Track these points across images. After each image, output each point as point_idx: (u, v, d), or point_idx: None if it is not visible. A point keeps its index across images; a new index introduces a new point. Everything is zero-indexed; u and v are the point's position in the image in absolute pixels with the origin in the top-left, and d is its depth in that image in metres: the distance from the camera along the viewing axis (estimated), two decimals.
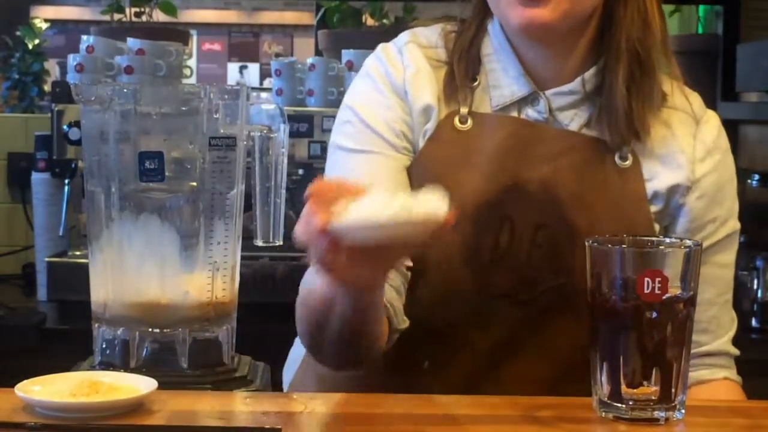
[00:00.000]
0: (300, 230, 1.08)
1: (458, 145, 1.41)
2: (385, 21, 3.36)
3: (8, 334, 2.45)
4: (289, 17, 7.94)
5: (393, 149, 1.41)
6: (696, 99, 1.49)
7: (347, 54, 2.86)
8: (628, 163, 1.41)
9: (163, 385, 1.15)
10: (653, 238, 1.25)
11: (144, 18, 3.24)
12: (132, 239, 1.25)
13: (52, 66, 3.91)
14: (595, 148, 1.41)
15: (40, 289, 2.70)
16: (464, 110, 1.42)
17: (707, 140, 1.45)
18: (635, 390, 1.12)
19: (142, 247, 1.25)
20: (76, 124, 2.54)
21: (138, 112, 1.24)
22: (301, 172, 2.83)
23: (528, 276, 1.38)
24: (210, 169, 1.25)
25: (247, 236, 1.31)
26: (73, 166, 2.67)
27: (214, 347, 1.28)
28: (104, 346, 1.28)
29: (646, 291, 1.10)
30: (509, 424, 1.14)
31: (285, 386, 1.59)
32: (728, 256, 1.47)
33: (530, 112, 1.42)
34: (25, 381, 1.14)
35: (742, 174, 3.09)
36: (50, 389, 1.13)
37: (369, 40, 1.89)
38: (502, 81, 1.43)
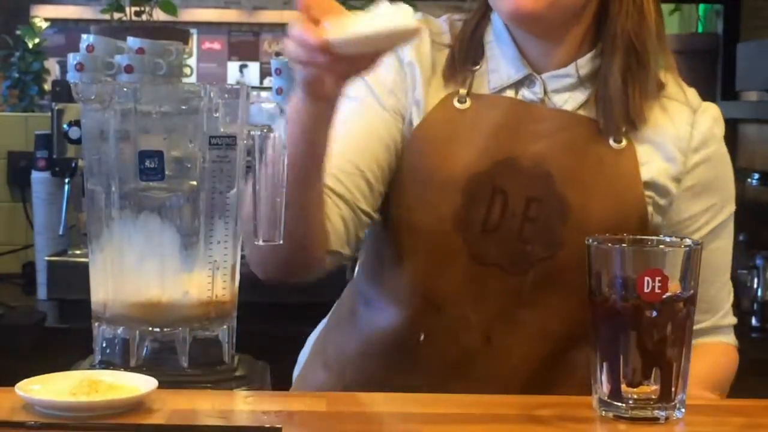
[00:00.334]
0: (294, 47, 1.17)
1: (455, 123, 1.46)
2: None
3: (8, 333, 2.45)
4: (290, 16, 7.93)
5: (380, 104, 1.47)
6: (692, 91, 1.52)
7: None
8: (622, 145, 1.45)
9: (163, 384, 1.15)
10: (653, 237, 1.25)
11: (144, 17, 3.24)
12: (132, 238, 1.25)
13: (52, 65, 3.91)
14: (589, 128, 1.45)
15: (40, 288, 2.70)
16: (463, 91, 1.47)
17: (703, 129, 1.48)
18: (635, 389, 1.12)
19: (142, 246, 1.25)
20: (76, 123, 2.54)
21: (138, 111, 1.24)
22: None
23: (520, 248, 1.42)
24: (210, 168, 1.25)
25: None
26: (73, 165, 2.67)
27: (214, 346, 1.28)
28: (104, 345, 1.28)
29: (646, 290, 1.10)
30: (509, 423, 1.14)
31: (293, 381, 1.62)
32: (726, 240, 1.51)
33: (526, 93, 1.47)
34: (25, 380, 1.14)
35: (742, 173, 3.10)
36: (50, 388, 1.13)
37: None
38: (500, 65, 1.49)
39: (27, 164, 2.97)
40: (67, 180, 2.69)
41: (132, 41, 2.81)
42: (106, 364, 1.27)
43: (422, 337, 1.45)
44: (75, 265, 2.58)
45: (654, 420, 1.12)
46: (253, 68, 8.07)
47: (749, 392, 1.36)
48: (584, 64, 1.47)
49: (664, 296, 1.11)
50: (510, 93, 1.48)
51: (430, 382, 1.45)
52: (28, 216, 3.01)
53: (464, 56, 1.49)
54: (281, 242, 1.25)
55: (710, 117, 1.50)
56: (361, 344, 1.51)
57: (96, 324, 1.28)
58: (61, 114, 2.66)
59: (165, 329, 1.26)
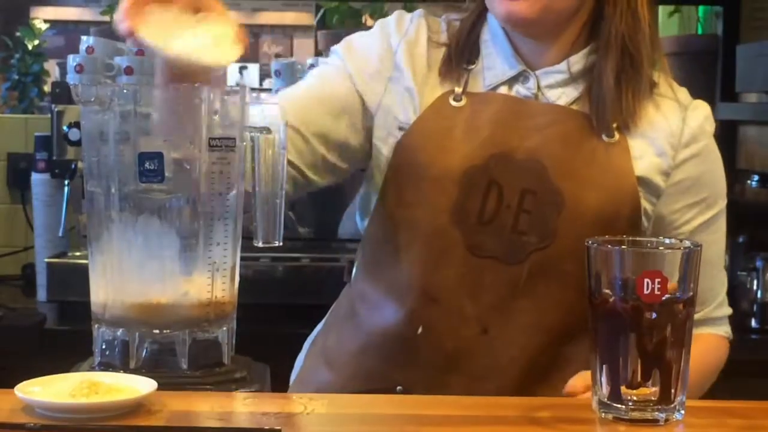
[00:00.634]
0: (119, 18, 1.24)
1: (450, 119, 1.48)
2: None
3: (8, 335, 2.45)
4: (289, 18, 7.93)
5: (350, 79, 1.53)
6: (683, 90, 1.55)
7: None
8: (614, 139, 1.47)
9: (162, 386, 1.15)
10: (652, 239, 1.25)
11: None
12: (132, 240, 1.25)
13: (51, 67, 3.90)
14: (582, 122, 1.48)
15: (40, 290, 2.70)
16: (458, 90, 1.50)
17: (694, 125, 1.51)
18: (635, 390, 1.12)
19: (141, 247, 1.25)
20: (76, 124, 2.54)
21: (138, 113, 1.24)
22: None
23: (515, 239, 1.45)
24: (209, 170, 1.25)
25: (247, 237, 1.31)
26: (72, 166, 2.67)
27: (213, 348, 1.28)
28: (104, 346, 1.28)
29: (645, 292, 1.10)
30: (509, 425, 1.14)
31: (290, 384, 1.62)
32: (718, 234, 1.54)
33: (520, 89, 1.50)
34: (24, 382, 1.14)
35: (741, 175, 3.10)
36: (50, 390, 1.13)
37: None
38: (495, 62, 1.52)
39: (27, 166, 2.97)
40: (66, 182, 2.69)
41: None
42: (105, 366, 1.27)
43: (420, 331, 1.47)
44: (75, 266, 2.58)
45: (653, 422, 1.12)
46: (253, 70, 8.07)
47: (749, 394, 1.36)
48: (576, 61, 1.50)
49: (664, 298, 1.11)
50: (504, 89, 1.51)
51: (429, 375, 1.46)
52: (27, 218, 3.01)
53: (460, 55, 1.52)
54: (280, 244, 1.26)
55: (701, 114, 1.53)
56: (361, 341, 1.52)
57: (96, 326, 1.28)
58: (60, 116, 2.66)
59: (165, 331, 1.26)
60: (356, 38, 1.58)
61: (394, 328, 1.48)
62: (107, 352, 1.27)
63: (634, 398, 1.12)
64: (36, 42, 3.57)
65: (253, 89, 1.66)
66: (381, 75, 1.53)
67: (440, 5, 1.62)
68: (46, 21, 3.90)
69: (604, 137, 1.47)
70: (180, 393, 1.20)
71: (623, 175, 1.47)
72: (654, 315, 1.11)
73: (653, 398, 1.12)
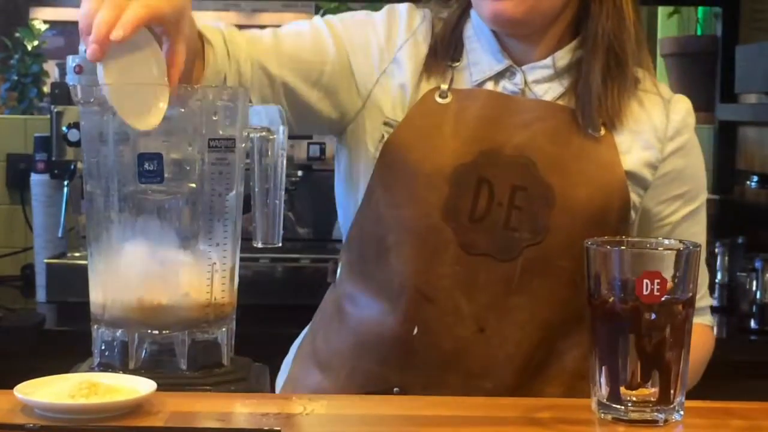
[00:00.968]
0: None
1: (437, 116, 1.49)
2: None
3: (7, 336, 2.45)
4: (289, 19, 7.93)
5: (334, 44, 1.52)
6: (663, 85, 1.59)
7: None
8: (601, 133, 1.49)
9: (162, 387, 1.15)
10: (652, 240, 1.26)
11: None
12: (131, 240, 1.25)
13: (51, 67, 3.90)
14: (569, 117, 1.49)
15: (39, 291, 2.70)
16: (444, 86, 1.51)
17: (678, 119, 1.54)
18: (634, 391, 1.12)
19: (141, 248, 1.25)
20: (75, 125, 2.54)
21: None
22: (300, 173, 2.83)
23: (508, 236, 1.45)
24: (209, 171, 1.25)
25: (247, 238, 1.31)
26: (72, 167, 2.67)
27: (213, 349, 1.28)
28: (103, 347, 1.28)
29: (645, 292, 1.10)
30: (508, 426, 1.14)
31: (278, 389, 1.61)
32: (700, 226, 1.57)
33: (507, 85, 1.52)
34: (24, 382, 1.14)
35: (741, 175, 3.10)
36: (49, 391, 1.13)
37: None
38: (481, 58, 1.53)
39: (26, 167, 2.97)
40: (66, 182, 2.69)
41: None
42: (104, 367, 1.27)
43: (416, 331, 1.46)
44: (74, 267, 2.58)
45: (653, 422, 1.12)
46: None
47: (749, 394, 1.36)
48: (561, 56, 1.51)
49: (663, 298, 1.11)
50: (490, 85, 1.52)
51: (425, 375, 1.46)
52: (27, 218, 3.01)
53: (444, 52, 1.53)
54: (280, 245, 1.26)
55: (683, 107, 1.56)
56: (354, 342, 1.51)
57: (95, 326, 1.28)
58: (60, 116, 2.66)
59: (164, 332, 1.26)
60: (362, 18, 1.56)
61: (388, 330, 1.48)
62: (106, 353, 1.27)
63: (634, 399, 1.12)
64: (35, 43, 3.57)
65: None
66: (378, 65, 1.52)
67: (448, 5, 1.61)
68: (45, 22, 3.89)
69: (590, 132, 1.48)
70: (179, 394, 1.20)
71: (612, 169, 1.48)
72: (653, 316, 1.11)
73: (652, 399, 1.12)
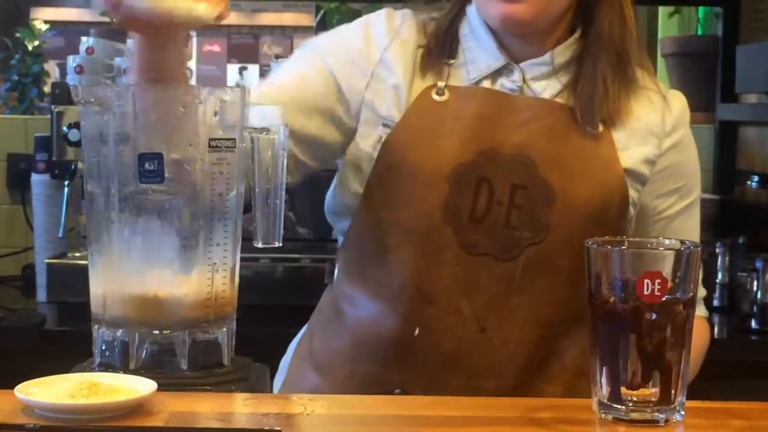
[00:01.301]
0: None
1: (435, 115, 1.48)
2: None
3: (8, 336, 2.45)
4: (289, 19, 7.93)
5: (326, 67, 1.51)
6: (660, 83, 1.59)
7: None
8: (599, 130, 1.50)
9: (162, 387, 1.15)
10: (652, 240, 1.26)
11: None
12: (131, 240, 1.25)
13: (51, 67, 3.90)
14: (566, 114, 1.50)
15: (40, 291, 2.70)
16: (441, 84, 1.50)
17: (675, 115, 1.55)
18: (635, 391, 1.12)
19: (141, 248, 1.25)
20: (76, 125, 2.54)
21: (137, 114, 1.24)
22: None
23: (508, 235, 1.45)
24: (209, 171, 1.25)
25: (247, 238, 1.31)
26: (72, 167, 2.67)
27: (213, 349, 1.28)
28: (104, 347, 1.28)
29: (645, 292, 1.10)
30: (509, 426, 1.14)
31: (275, 390, 1.61)
32: (694, 220, 1.59)
33: (505, 83, 1.51)
34: (24, 382, 1.14)
35: (742, 175, 3.10)
36: (49, 391, 1.13)
37: None
38: (478, 56, 1.52)
39: (26, 167, 2.97)
40: (66, 182, 2.69)
41: (132, 44, 2.81)
42: (105, 367, 1.27)
43: (417, 332, 1.46)
44: (74, 267, 2.58)
45: (654, 422, 1.12)
46: (253, 71, 8.07)
47: (749, 394, 1.36)
48: (560, 53, 1.52)
49: (664, 298, 1.11)
50: (487, 83, 1.52)
51: (427, 376, 1.46)
52: (27, 218, 3.01)
53: (440, 50, 1.53)
54: (280, 245, 1.26)
55: (679, 103, 1.57)
56: (352, 343, 1.51)
57: (95, 326, 1.28)
58: (60, 116, 2.66)
59: (164, 331, 1.26)
60: (335, 33, 1.58)
61: (387, 330, 1.47)
62: (107, 353, 1.27)
63: (634, 399, 1.12)
64: (36, 43, 3.57)
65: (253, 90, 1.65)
66: (363, 70, 1.52)
67: (435, 6, 1.61)
68: (46, 22, 3.89)
69: (588, 129, 1.49)
70: (180, 394, 1.20)
71: (610, 166, 1.49)
72: (654, 316, 1.11)
73: (653, 399, 1.12)
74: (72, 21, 6.31)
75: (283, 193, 1.33)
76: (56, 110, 2.67)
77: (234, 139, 1.27)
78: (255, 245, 1.33)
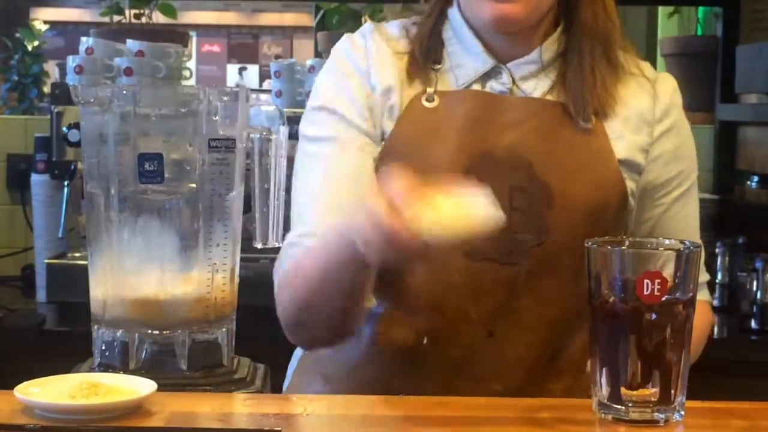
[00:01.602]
0: (376, 235, 1.15)
1: (426, 122, 1.47)
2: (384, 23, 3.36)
3: (7, 336, 2.45)
4: (289, 19, 7.94)
5: (358, 131, 1.46)
6: (646, 64, 1.57)
7: None
8: (591, 124, 1.48)
9: (162, 387, 1.15)
10: (652, 240, 1.25)
11: (143, 20, 3.24)
12: (131, 241, 1.25)
13: (51, 68, 3.90)
14: (557, 111, 1.48)
15: (40, 291, 2.70)
16: (430, 90, 1.48)
17: (665, 99, 1.53)
18: (635, 391, 1.12)
19: (141, 248, 1.25)
20: (76, 125, 2.54)
21: (137, 114, 1.24)
22: None
23: (510, 239, 1.43)
24: (209, 171, 1.25)
25: (247, 238, 1.31)
26: (72, 167, 2.67)
27: (213, 349, 1.28)
28: (103, 347, 1.28)
29: (645, 292, 1.10)
30: (509, 426, 1.14)
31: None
32: (694, 204, 1.57)
33: (494, 85, 1.49)
34: (24, 383, 1.14)
35: (742, 175, 3.10)
36: (49, 391, 1.13)
37: None
38: (465, 60, 1.50)
39: (26, 167, 2.97)
40: (66, 183, 2.69)
41: (131, 44, 2.81)
42: (105, 367, 1.27)
43: (425, 341, 1.46)
44: (74, 267, 2.58)
45: (653, 422, 1.12)
46: (253, 71, 8.08)
47: (749, 395, 1.36)
48: (547, 48, 1.50)
49: (664, 299, 1.11)
50: (477, 87, 1.50)
51: (435, 382, 1.45)
52: (27, 219, 3.01)
53: (425, 56, 1.51)
54: (279, 245, 1.25)
55: (669, 86, 1.55)
56: (360, 353, 1.50)
57: (95, 327, 1.28)
58: (60, 117, 2.66)
59: (164, 332, 1.26)
60: (338, 89, 1.51)
61: (395, 341, 1.46)
62: (107, 353, 1.27)
63: (634, 399, 1.12)
64: (36, 43, 3.57)
65: (252, 90, 1.65)
66: (372, 108, 1.48)
67: (415, 9, 1.60)
68: (45, 22, 3.90)
69: (581, 123, 1.48)
70: (180, 394, 1.20)
71: (606, 158, 1.48)
72: (654, 316, 1.11)
73: (653, 399, 1.12)
74: (72, 21, 6.32)
75: (283, 193, 1.33)
76: (56, 110, 2.67)
77: (234, 139, 1.27)
78: (255, 245, 1.34)
